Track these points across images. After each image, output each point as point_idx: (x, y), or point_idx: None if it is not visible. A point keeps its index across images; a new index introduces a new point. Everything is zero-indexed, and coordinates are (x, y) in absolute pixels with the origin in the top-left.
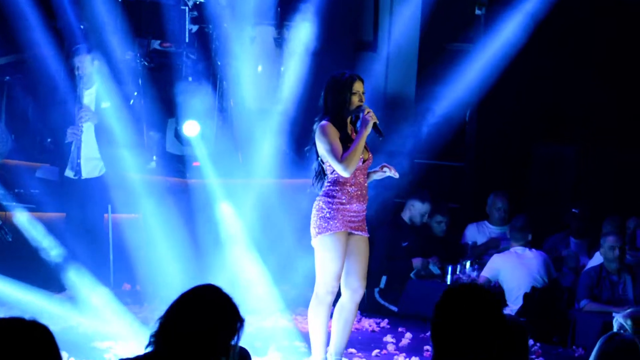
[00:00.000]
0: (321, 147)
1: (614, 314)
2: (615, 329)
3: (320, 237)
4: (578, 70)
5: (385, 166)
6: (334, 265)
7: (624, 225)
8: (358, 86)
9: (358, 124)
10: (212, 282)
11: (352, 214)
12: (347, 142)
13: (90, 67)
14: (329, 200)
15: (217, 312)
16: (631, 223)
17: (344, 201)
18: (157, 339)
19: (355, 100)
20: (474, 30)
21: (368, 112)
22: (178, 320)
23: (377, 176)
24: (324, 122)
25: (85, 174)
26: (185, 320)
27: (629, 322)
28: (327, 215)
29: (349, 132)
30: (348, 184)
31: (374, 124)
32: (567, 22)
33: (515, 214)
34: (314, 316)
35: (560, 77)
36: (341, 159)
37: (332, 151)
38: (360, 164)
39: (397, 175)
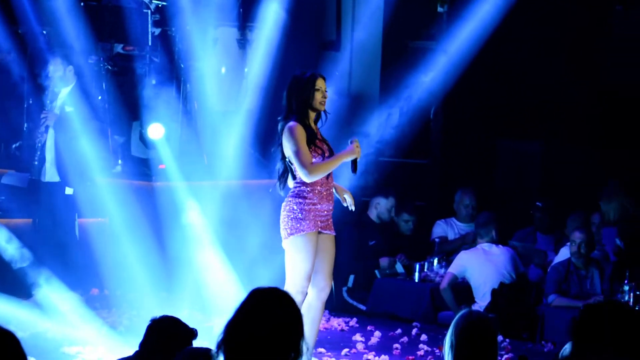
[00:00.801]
0: (288, 149)
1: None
2: None
3: (292, 238)
4: (542, 65)
5: (346, 196)
6: (305, 265)
7: (589, 220)
8: (320, 83)
9: (319, 125)
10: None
11: (321, 213)
12: (312, 141)
13: (60, 71)
14: (300, 201)
15: (286, 312)
16: (596, 218)
17: (315, 201)
18: (229, 344)
19: (318, 96)
20: (436, 28)
21: (357, 146)
22: (249, 324)
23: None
24: (292, 122)
25: (48, 178)
26: (257, 323)
27: None
28: (299, 216)
29: (314, 129)
30: (318, 184)
31: (355, 159)
32: (531, 16)
33: (481, 210)
34: None
35: (524, 72)
36: (311, 165)
37: (300, 155)
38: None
39: (352, 208)
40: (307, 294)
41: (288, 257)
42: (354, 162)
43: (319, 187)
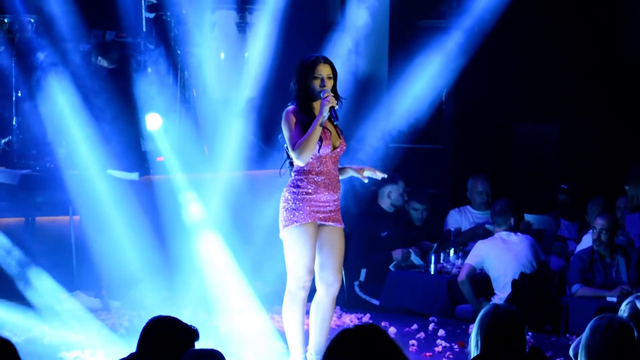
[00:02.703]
0: (283, 134)
1: (608, 298)
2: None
3: (286, 229)
4: (557, 43)
5: (366, 173)
6: (304, 258)
7: (612, 204)
8: (321, 69)
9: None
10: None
11: (320, 204)
12: (309, 126)
13: None
14: (294, 190)
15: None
16: (621, 202)
17: (309, 191)
18: None
19: (316, 84)
20: (446, 6)
21: (327, 96)
22: None
23: (354, 174)
24: (289, 107)
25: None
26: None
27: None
28: (293, 206)
29: (315, 115)
30: (313, 173)
31: (331, 107)
32: None
33: (496, 197)
34: (288, 315)
35: (538, 51)
36: (294, 147)
37: (289, 138)
38: (329, 151)
39: (381, 176)
40: (308, 289)
41: (286, 250)
42: (335, 112)
43: (314, 176)
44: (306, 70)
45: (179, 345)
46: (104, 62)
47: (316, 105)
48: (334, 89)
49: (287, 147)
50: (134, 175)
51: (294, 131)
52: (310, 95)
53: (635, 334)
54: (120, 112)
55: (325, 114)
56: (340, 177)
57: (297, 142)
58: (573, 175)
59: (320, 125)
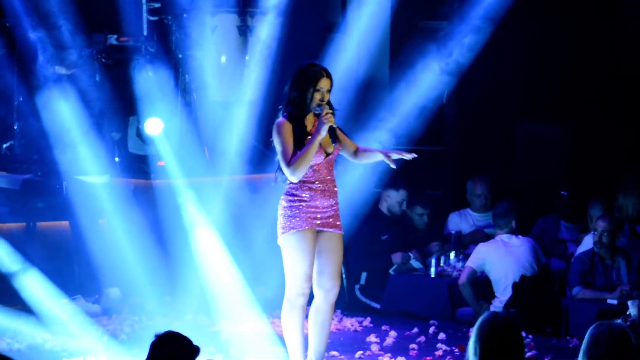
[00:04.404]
0: (276, 147)
1: (608, 300)
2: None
3: (284, 236)
4: (559, 42)
5: (394, 153)
6: (302, 265)
7: (612, 206)
8: (324, 83)
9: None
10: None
11: (317, 210)
12: (303, 138)
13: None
14: (290, 198)
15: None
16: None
17: (305, 198)
18: None
19: (317, 97)
20: (448, 7)
21: (326, 114)
22: None
23: (382, 158)
24: (280, 119)
25: None
26: None
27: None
28: (290, 213)
29: (309, 127)
30: (308, 182)
31: (330, 127)
32: None
33: (500, 199)
34: (287, 321)
35: (542, 51)
36: (289, 164)
37: (283, 153)
38: (322, 159)
39: (410, 156)
40: (307, 295)
41: (284, 257)
42: (332, 132)
43: (309, 184)
44: (308, 80)
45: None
46: (62, 70)
47: (310, 117)
48: (328, 101)
49: (278, 160)
50: (104, 178)
51: (288, 146)
52: (307, 105)
53: (633, 339)
54: (106, 114)
55: (323, 132)
56: (368, 161)
57: (292, 160)
58: (576, 175)
59: (316, 144)
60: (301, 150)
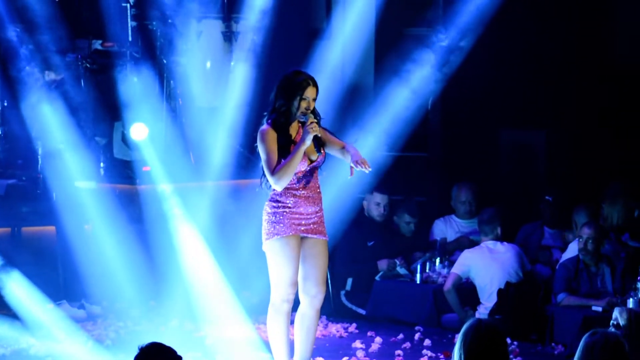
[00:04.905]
0: (260, 154)
1: (593, 307)
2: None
3: (268, 242)
4: (544, 51)
5: (358, 163)
6: (287, 271)
7: (598, 213)
8: (310, 92)
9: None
10: (169, 293)
11: (301, 216)
12: (287, 146)
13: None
14: (274, 204)
15: None
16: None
17: (289, 205)
18: None
19: (303, 106)
20: (432, 14)
21: (311, 123)
22: None
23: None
24: (264, 126)
25: None
26: None
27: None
28: (274, 219)
29: (293, 134)
30: (292, 189)
31: (315, 136)
32: (530, 2)
33: (484, 205)
34: (273, 327)
35: (525, 59)
36: (273, 173)
37: (267, 162)
38: (306, 166)
39: (366, 170)
40: (292, 301)
41: (269, 263)
42: (318, 141)
43: (293, 191)
44: (294, 88)
45: None
46: (51, 75)
47: (294, 124)
48: (313, 110)
49: (262, 167)
50: (90, 184)
51: (272, 155)
52: (292, 114)
53: (626, 347)
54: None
55: (308, 141)
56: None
57: (276, 169)
58: (560, 182)
59: (300, 153)
60: (285, 159)
